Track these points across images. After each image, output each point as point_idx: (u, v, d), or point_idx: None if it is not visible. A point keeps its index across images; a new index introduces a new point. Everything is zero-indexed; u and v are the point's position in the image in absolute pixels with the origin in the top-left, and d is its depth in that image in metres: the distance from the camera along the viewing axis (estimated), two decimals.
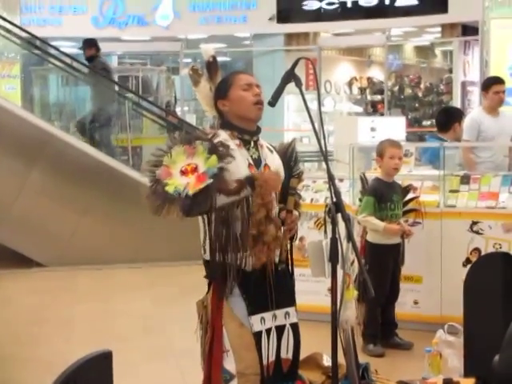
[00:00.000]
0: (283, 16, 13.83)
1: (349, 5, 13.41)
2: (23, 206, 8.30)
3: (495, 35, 10.33)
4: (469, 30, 12.80)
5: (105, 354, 2.30)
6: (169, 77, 14.47)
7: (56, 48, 10.74)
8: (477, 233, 5.51)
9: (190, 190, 2.78)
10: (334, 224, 2.96)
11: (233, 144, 3.01)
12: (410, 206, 5.63)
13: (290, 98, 13.57)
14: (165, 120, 11.06)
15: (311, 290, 5.69)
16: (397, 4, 12.98)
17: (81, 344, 5.33)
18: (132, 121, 11.16)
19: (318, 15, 13.65)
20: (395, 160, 5.31)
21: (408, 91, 15.03)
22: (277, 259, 3.07)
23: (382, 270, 5.20)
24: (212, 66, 3.16)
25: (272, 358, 3.02)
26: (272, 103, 3.09)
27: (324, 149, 2.96)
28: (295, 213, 3.11)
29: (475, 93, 12.28)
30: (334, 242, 2.97)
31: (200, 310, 3.09)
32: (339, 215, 2.95)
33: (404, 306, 5.57)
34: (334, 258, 2.98)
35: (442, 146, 5.96)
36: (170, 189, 2.80)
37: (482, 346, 3.88)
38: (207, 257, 3.03)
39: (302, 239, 6.02)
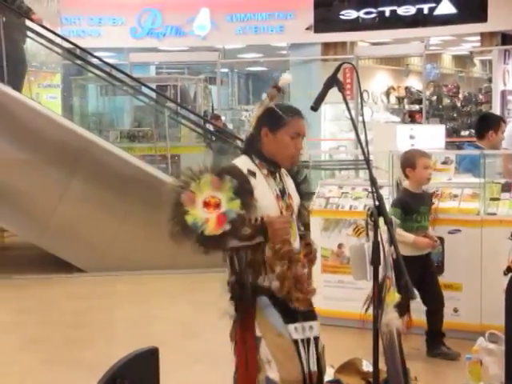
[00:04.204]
0: (320, 25, 13.87)
1: (387, 14, 13.41)
2: (64, 213, 8.42)
3: None
4: (508, 39, 12.70)
5: (151, 351, 2.34)
6: (206, 86, 14.55)
7: (97, 57, 10.88)
8: None
9: (206, 229, 2.88)
10: (376, 227, 2.98)
11: (260, 174, 3.09)
12: None
13: (327, 107, 13.58)
14: (202, 128, 11.15)
15: (350, 296, 5.69)
16: (435, 13, 12.95)
17: (122, 347, 5.31)
18: (170, 130, 11.28)
19: (356, 24, 13.68)
20: (429, 170, 5.28)
21: (446, 101, 14.94)
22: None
23: None
24: (279, 90, 3.19)
25: (314, 368, 3.05)
26: (314, 108, 3.14)
27: (366, 153, 3.00)
28: (314, 246, 3.21)
29: None
30: (376, 245, 2.99)
31: (232, 330, 3.11)
32: (381, 219, 2.98)
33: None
34: (375, 261, 3.00)
35: (483, 153, 5.93)
36: (189, 219, 2.90)
37: None
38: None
39: (340, 246, 6.04)
